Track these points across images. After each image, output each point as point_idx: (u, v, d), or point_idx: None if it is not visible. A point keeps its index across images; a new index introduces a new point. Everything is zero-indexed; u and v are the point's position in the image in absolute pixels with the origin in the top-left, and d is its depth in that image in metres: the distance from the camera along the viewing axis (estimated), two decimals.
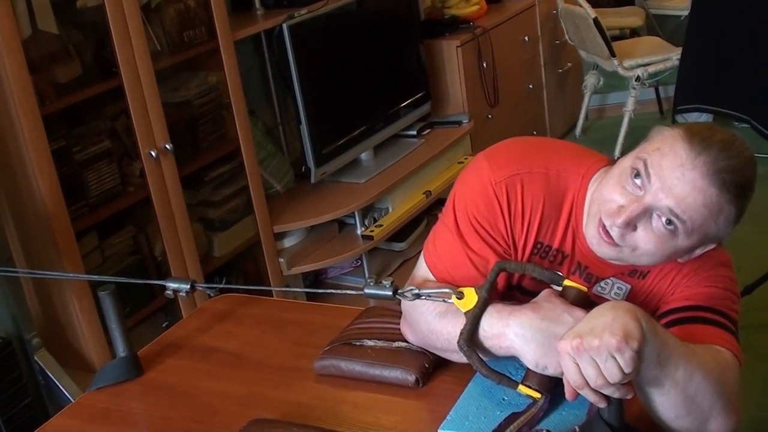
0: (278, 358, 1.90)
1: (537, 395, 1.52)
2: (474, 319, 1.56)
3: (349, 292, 1.73)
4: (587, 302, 1.55)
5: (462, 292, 1.58)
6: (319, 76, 3.88)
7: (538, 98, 5.52)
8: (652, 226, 1.53)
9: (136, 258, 3.29)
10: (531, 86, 5.38)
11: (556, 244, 1.68)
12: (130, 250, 3.27)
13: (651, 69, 5.29)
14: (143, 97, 3.11)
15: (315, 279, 4.19)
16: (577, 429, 1.43)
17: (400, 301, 1.65)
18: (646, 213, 1.52)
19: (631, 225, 1.53)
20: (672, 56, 5.20)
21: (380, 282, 1.62)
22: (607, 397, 1.35)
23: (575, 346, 1.31)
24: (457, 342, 1.56)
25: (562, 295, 1.57)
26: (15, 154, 2.80)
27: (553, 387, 1.53)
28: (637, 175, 1.54)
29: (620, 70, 5.31)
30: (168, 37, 3.34)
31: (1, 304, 2.78)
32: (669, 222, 1.51)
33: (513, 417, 1.53)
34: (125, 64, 3.04)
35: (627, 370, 1.30)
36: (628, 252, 1.57)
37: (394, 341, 1.78)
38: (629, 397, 1.34)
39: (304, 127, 3.80)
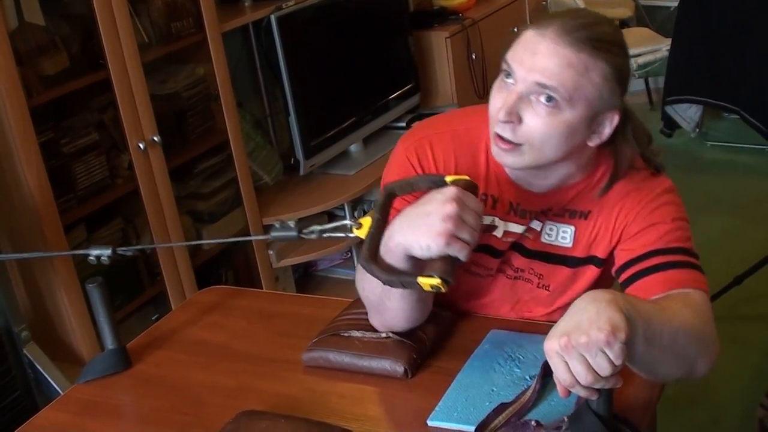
0: (266, 350, 1.89)
1: (436, 281, 1.49)
2: (370, 238, 1.58)
3: (258, 237, 1.78)
4: (475, 189, 1.58)
5: (361, 223, 1.60)
6: (307, 68, 3.87)
7: None
8: (536, 111, 1.59)
9: None
10: None
11: (481, 189, 1.75)
12: (118, 242, 3.26)
13: (640, 60, 5.30)
14: (131, 89, 3.10)
15: (305, 271, 4.18)
16: (566, 419, 1.43)
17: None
18: (522, 99, 1.59)
19: (513, 115, 1.59)
20: (661, 47, 5.20)
21: (286, 223, 1.66)
22: (597, 390, 1.35)
23: (563, 345, 1.30)
24: (359, 262, 1.59)
25: None
26: (2, 146, 2.79)
27: (453, 271, 1.51)
28: (507, 75, 1.62)
29: None
30: (155, 29, 3.33)
31: None
32: (548, 99, 1.57)
33: (502, 407, 1.53)
34: (113, 56, 3.03)
35: (617, 363, 1.29)
36: (528, 148, 1.62)
37: (383, 332, 1.78)
38: (619, 385, 1.34)
39: (292, 119, 3.80)
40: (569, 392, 1.35)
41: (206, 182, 3.60)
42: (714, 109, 4.92)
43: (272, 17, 3.64)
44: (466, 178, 1.59)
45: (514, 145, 1.62)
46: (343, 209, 3.93)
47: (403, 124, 4.48)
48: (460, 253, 1.50)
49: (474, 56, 4.80)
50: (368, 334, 1.78)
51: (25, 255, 2.92)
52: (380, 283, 1.63)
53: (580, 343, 1.28)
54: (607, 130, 1.65)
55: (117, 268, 3.19)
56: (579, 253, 1.77)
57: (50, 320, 3.03)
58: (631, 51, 5.28)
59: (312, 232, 1.65)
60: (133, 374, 1.88)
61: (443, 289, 1.50)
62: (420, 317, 1.75)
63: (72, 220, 3.02)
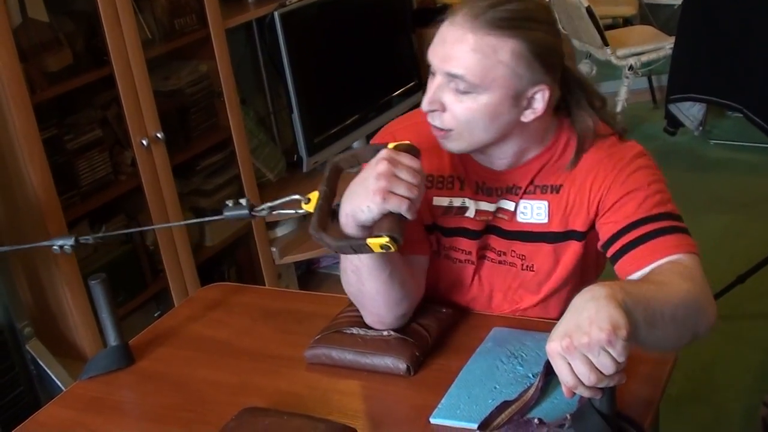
0: (269, 347, 1.89)
1: (384, 239, 1.53)
2: (318, 209, 1.63)
3: (210, 219, 1.84)
4: (415, 151, 1.62)
5: (309, 198, 1.66)
6: (311, 65, 3.87)
7: None
8: (455, 98, 1.64)
9: (128, 247, 3.28)
10: None
11: (447, 172, 1.82)
12: (121, 239, 3.27)
13: (644, 58, 5.29)
14: (134, 85, 3.10)
15: (307, 268, 4.18)
16: (569, 417, 1.43)
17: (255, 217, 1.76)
18: (442, 88, 1.65)
19: (435, 104, 1.66)
20: (665, 45, 5.20)
21: (238, 202, 1.72)
22: (601, 389, 1.34)
23: (565, 347, 1.29)
24: (310, 231, 1.62)
25: None
26: (6, 143, 2.79)
27: (400, 228, 1.55)
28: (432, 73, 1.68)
29: (613, 59, 5.30)
30: (159, 26, 3.33)
31: None
32: (462, 86, 1.62)
33: (504, 405, 1.53)
34: (116, 53, 3.03)
35: (620, 360, 1.29)
36: (457, 134, 1.68)
37: (385, 330, 1.78)
38: (624, 381, 1.34)
39: (296, 116, 3.79)
40: (573, 393, 1.35)
41: (209, 179, 3.60)
42: (717, 107, 4.92)
43: (275, 14, 3.63)
44: (407, 142, 1.64)
45: (445, 132, 1.68)
46: None
47: None
48: (400, 207, 1.54)
49: None
50: (371, 332, 1.79)
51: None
52: (354, 272, 1.70)
53: (582, 343, 1.28)
54: (540, 104, 1.67)
55: (120, 264, 3.20)
56: (556, 228, 1.78)
57: (53, 316, 3.04)
58: (635, 49, 5.29)
59: (263, 209, 1.71)
60: (136, 371, 1.88)
61: (393, 248, 1.54)
62: (401, 300, 1.76)
63: (75, 217, 3.02)
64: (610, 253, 1.69)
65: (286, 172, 4.02)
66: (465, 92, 1.62)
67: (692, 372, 3.16)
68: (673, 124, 4.74)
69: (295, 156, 3.88)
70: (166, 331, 2.02)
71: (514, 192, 1.79)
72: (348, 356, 1.75)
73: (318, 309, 1.98)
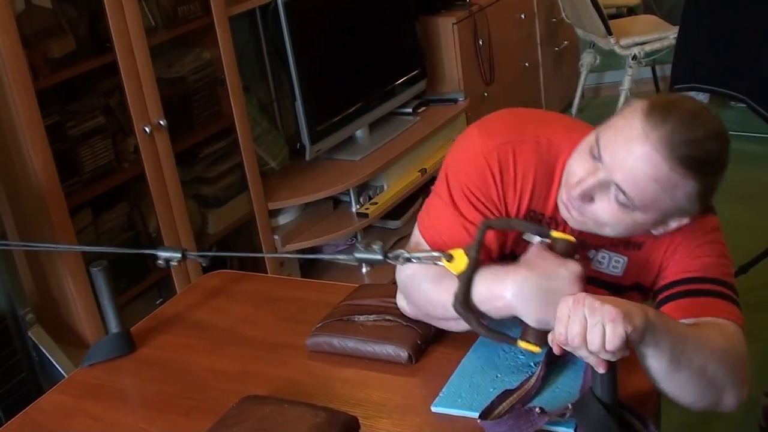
0: (271, 335, 1.90)
1: (536, 349, 1.52)
2: (467, 280, 1.55)
3: (339, 258, 1.76)
4: (576, 252, 1.56)
5: (452, 255, 1.57)
6: (314, 53, 3.86)
7: (534, 76, 5.51)
8: (609, 200, 1.53)
9: (131, 234, 3.28)
10: (527, 64, 5.36)
11: (549, 213, 1.67)
12: (124, 226, 3.27)
13: (648, 48, 5.28)
14: (137, 72, 3.10)
15: None
16: (570, 406, 1.43)
17: (394, 270, 1.67)
18: (602, 187, 1.52)
19: (586, 197, 1.54)
20: (669, 35, 5.18)
21: (370, 246, 1.61)
22: (602, 363, 1.36)
23: (576, 299, 1.33)
24: (453, 305, 1.56)
25: (551, 248, 1.56)
26: (8, 129, 2.79)
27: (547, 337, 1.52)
28: (596, 151, 1.53)
29: (617, 49, 5.29)
30: (162, 13, 3.33)
31: None
32: (623, 199, 1.51)
33: (506, 394, 1.54)
34: (119, 40, 3.02)
35: (608, 347, 1.31)
36: (592, 224, 1.58)
37: (387, 318, 1.78)
38: (600, 371, 1.36)
39: (299, 104, 3.79)
40: (561, 349, 1.38)
41: (212, 166, 3.60)
42: (721, 97, 4.90)
43: (279, 1, 3.62)
44: (572, 239, 1.56)
45: (580, 215, 1.59)
46: (349, 195, 3.93)
47: (410, 110, 4.47)
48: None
49: (481, 42, 4.79)
50: (372, 320, 1.79)
51: (76, 248, 2.93)
52: (456, 322, 1.62)
53: (591, 305, 1.32)
54: (674, 226, 1.59)
55: None
56: (626, 282, 1.73)
57: (55, 303, 3.04)
58: (639, 38, 5.28)
59: (398, 257, 1.61)
60: (137, 358, 1.89)
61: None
62: None
63: (78, 204, 3.02)
64: (660, 297, 1.64)
65: (289, 160, 4.02)
66: (621, 204, 1.52)
67: None
68: None
69: (298, 144, 3.88)
70: (167, 319, 2.02)
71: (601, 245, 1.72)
72: (349, 344, 1.76)
73: (320, 297, 1.99)
